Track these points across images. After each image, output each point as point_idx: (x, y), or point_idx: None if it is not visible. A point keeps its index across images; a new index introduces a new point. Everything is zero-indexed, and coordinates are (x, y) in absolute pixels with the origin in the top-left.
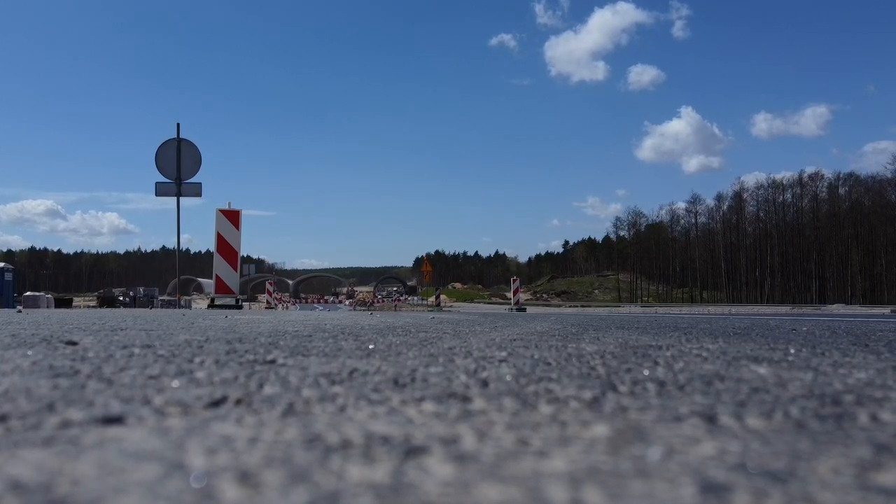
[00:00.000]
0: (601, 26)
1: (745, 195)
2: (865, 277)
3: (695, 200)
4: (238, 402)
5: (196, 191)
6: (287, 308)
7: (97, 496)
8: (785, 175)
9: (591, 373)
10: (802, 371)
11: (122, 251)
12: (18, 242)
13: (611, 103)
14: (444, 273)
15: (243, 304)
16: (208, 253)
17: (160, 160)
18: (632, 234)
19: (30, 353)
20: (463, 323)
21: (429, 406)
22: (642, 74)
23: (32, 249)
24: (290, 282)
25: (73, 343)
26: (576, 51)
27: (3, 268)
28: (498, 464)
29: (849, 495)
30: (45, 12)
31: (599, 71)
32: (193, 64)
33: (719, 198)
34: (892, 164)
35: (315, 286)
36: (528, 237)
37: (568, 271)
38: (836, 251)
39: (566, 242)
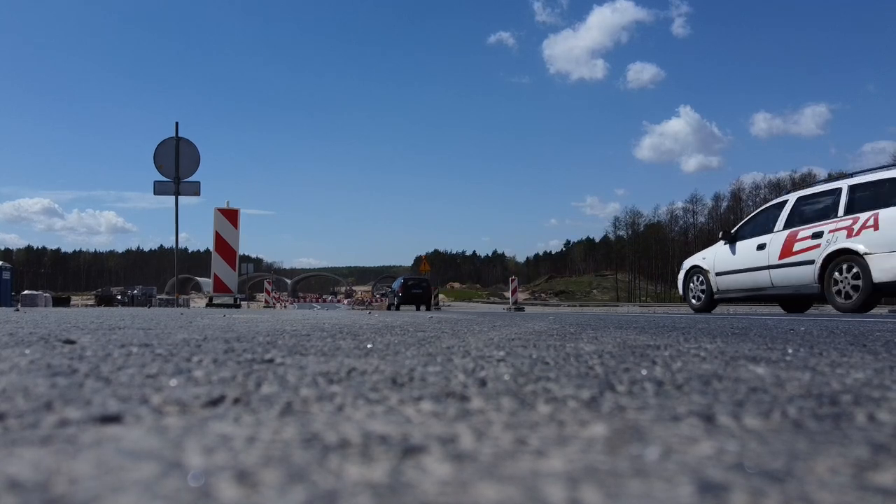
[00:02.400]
0: (600, 24)
1: (742, 195)
2: None
3: (694, 200)
4: (236, 401)
5: (194, 190)
6: (285, 307)
7: (95, 495)
8: (782, 175)
9: (589, 372)
10: (800, 371)
11: (120, 250)
12: (15, 241)
13: (610, 102)
14: (443, 272)
15: (241, 303)
16: (207, 252)
17: (159, 159)
18: (630, 233)
19: (27, 351)
20: (461, 322)
21: (427, 405)
22: (641, 72)
23: (30, 248)
24: (289, 281)
25: (71, 342)
26: (575, 49)
27: (0, 266)
28: (496, 463)
29: (846, 495)
30: (42, 11)
31: (598, 69)
32: (192, 62)
33: (717, 198)
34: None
35: (313, 285)
36: (526, 237)
37: (566, 271)
38: None
39: (567, 242)
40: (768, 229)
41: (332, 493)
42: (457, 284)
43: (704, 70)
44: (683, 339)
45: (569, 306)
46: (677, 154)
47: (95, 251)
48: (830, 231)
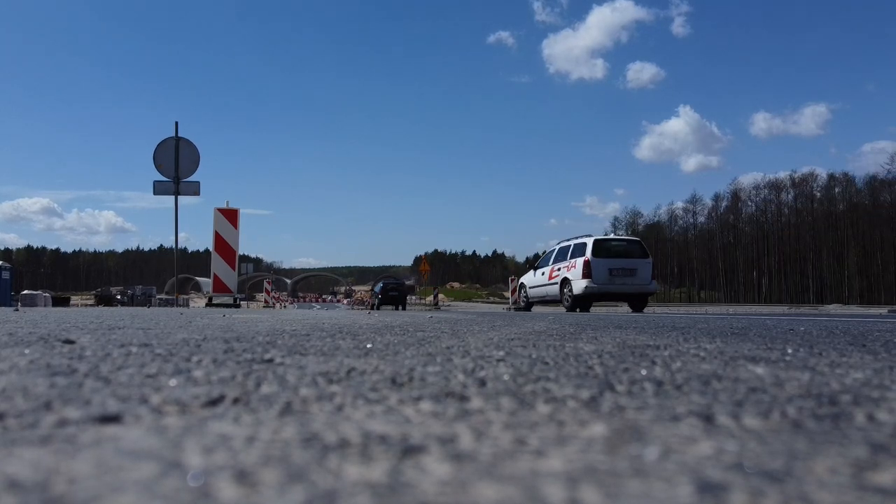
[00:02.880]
0: (600, 23)
1: (742, 195)
2: (862, 278)
3: (693, 200)
4: (235, 401)
5: (194, 189)
6: (285, 307)
7: (94, 495)
8: (782, 175)
9: (588, 372)
10: (800, 371)
11: (119, 250)
12: (15, 241)
13: (609, 102)
14: (443, 272)
15: (241, 303)
16: (206, 252)
17: (158, 159)
18: (630, 233)
19: (27, 351)
20: (461, 322)
21: (426, 405)
22: (641, 72)
23: (29, 248)
24: (288, 281)
25: (71, 342)
26: (574, 48)
27: (0, 266)
28: (495, 463)
29: (845, 495)
30: (41, 10)
31: (598, 69)
32: (191, 62)
33: (717, 198)
34: (890, 164)
35: (313, 285)
36: (526, 237)
37: None
38: (832, 251)
39: None
40: (547, 263)
41: (332, 492)
42: (457, 284)
43: (704, 70)
44: (683, 339)
45: None
46: (677, 154)
47: (95, 251)
48: (563, 267)
